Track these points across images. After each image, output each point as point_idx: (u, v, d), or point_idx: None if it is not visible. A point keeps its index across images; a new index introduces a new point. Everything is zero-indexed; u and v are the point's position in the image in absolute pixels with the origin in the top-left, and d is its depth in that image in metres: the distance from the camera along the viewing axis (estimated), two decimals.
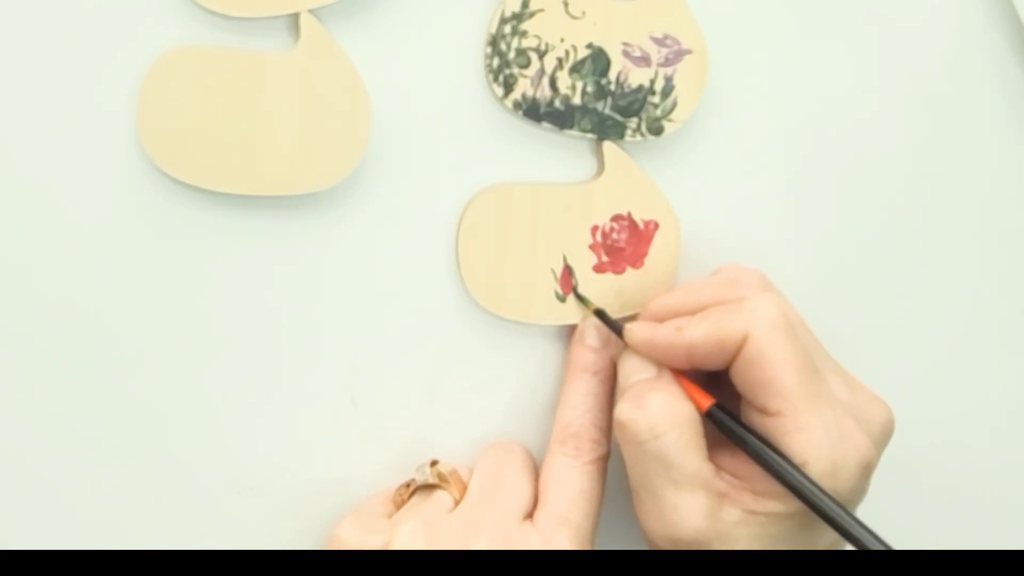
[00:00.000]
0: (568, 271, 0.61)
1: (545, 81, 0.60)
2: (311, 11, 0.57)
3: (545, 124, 0.60)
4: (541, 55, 0.59)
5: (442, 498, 0.59)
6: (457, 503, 0.58)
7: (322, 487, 0.61)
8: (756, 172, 0.63)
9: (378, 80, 0.59)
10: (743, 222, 0.63)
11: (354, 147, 0.58)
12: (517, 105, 0.60)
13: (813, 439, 0.56)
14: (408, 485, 0.60)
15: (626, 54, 0.60)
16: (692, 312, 0.59)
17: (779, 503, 0.56)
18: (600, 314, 0.61)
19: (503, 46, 0.59)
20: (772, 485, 0.56)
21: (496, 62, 0.59)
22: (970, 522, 0.63)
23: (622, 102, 0.60)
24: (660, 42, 0.60)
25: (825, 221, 0.64)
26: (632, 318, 0.62)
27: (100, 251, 0.58)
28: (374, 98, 0.58)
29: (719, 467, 0.57)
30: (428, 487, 0.59)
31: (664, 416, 0.56)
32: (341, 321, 0.61)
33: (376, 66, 0.59)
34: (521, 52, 0.59)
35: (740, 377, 0.57)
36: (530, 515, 0.58)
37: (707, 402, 0.58)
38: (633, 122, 0.61)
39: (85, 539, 0.59)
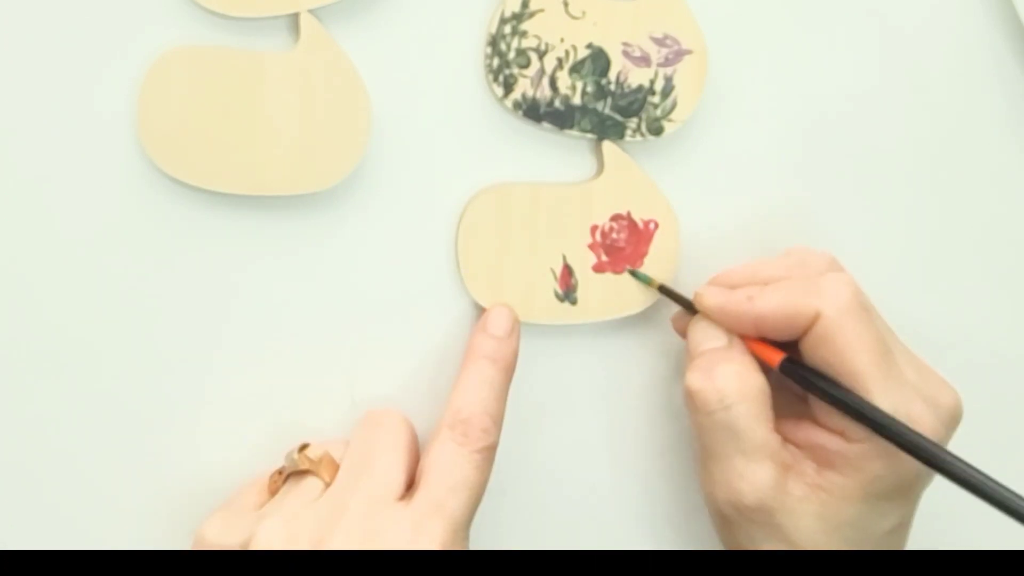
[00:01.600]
0: (568, 271, 0.61)
1: (545, 81, 0.60)
2: (311, 11, 0.57)
3: (545, 124, 0.60)
4: (541, 55, 0.59)
5: (312, 484, 0.57)
6: (328, 487, 0.57)
7: None
8: (756, 172, 0.63)
9: (378, 80, 0.59)
10: (743, 222, 0.63)
11: (354, 147, 0.58)
12: (517, 105, 0.60)
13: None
14: (281, 472, 0.59)
15: (626, 54, 0.60)
16: (762, 284, 0.59)
17: (840, 475, 0.57)
18: (665, 289, 0.62)
19: (503, 46, 0.59)
20: (833, 456, 0.57)
21: (496, 62, 0.59)
22: (970, 521, 0.63)
23: (622, 102, 0.60)
24: (660, 42, 0.60)
25: (825, 220, 0.64)
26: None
27: (100, 251, 0.58)
28: (374, 98, 0.58)
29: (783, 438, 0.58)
30: (299, 473, 0.58)
31: (735, 387, 0.57)
32: (341, 320, 0.61)
33: (376, 66, 0.59)
34: (521, 52, 0.59)
35: (810, 353, 0.58)
36: (405, 495, 0.57)
37: (778, 356, 0.58)
38: (633, 122, 0.61)
39: (85, 539, 0.59)
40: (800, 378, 0.58)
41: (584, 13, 0.60)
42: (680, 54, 0.60)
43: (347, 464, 0.58)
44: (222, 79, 0.57)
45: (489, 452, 0.58)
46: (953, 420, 0.58)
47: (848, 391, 0.56)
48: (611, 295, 0.62)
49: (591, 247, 0.62)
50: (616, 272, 0.62)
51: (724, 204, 0.63)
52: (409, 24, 0.59)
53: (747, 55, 0.62)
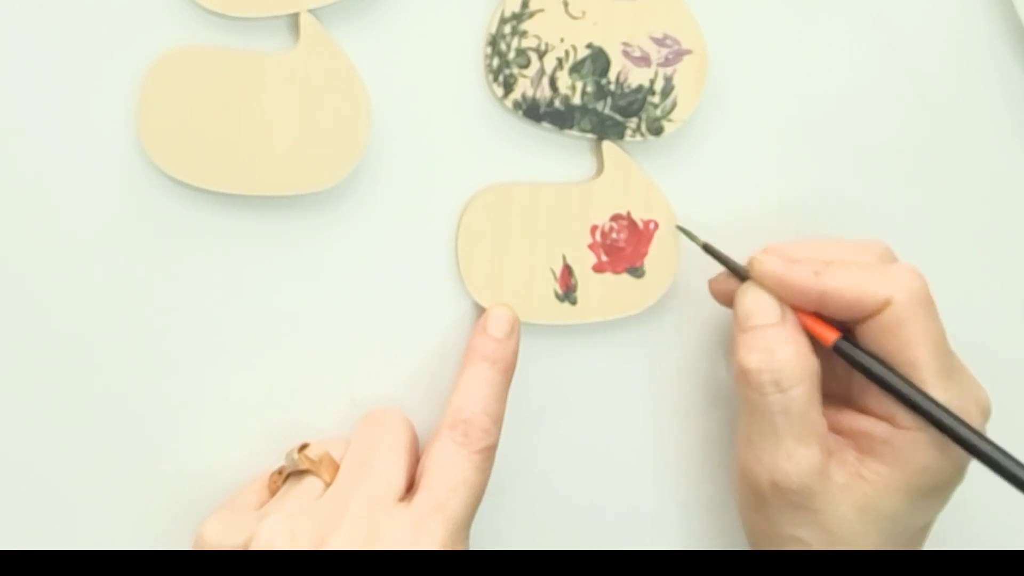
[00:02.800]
0: (567, 271, 0.61)
1: (545, 81, 0.60)
2: (311, 11, 0.57)
3: (545, 124, 0.60)
4: (541, 55, 0.59)
5: (312, 484, 0.57)
6: (328, 487, 0.57)
7: None
8: (756, 172, 0.63)
9: (378, 80, 0.59)
10: (743, 222, 0.63)
11: (354, 147, 0.58)
12: (517, 105, 0.60)
13: None
14: (280, 472, 0.59)
15: (626, 54, 0.60)
16: (824, 262, 0.58)
17: (884, 465, 0.57)
18: (709, 248, 0.61)
19: (503, 46, 0.59)
20: (878, 444, 0.57)
21: (496, 62, 0.59)
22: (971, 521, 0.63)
23: (622, 102, 0.60)
24: (660, 42, 0.60)
25: (826, 219, 0.64)
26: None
27: (99, 251, 0.58)
28: (374, 98, 0.58)
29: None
30: (299, 472, 0.58)
31: (793, 369, 0.57)
32: (340, 321, 0.61)
33: (376, 66, 0.59)
34: (521, 52, 0.59)
35: (869, 338, 0.57)
36: (405, 496, 0.57)
37: (832, 335, 0.58)
38: (633, 122, 0.61)
39: (86, 539, 0.60)
40: (853, 360, 0.57)
41: (584, 13, 0.60)
42: (680, 54, 0.60)
43: (348, 464, 0.58)
44: (222, 79, 0.57)
45: (489, 452, 0.58)
46: (987, 418, 0.58)
47: (907, 379, 0.56)
48: (611, 295, 0.62)
49: (591, 247, 0.61)
50: (616, 272, 0.62)
51: (724, 204, 0.63)
52: (409, 24, 0.59)
53: (747, 55, 0.62)
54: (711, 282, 0.62)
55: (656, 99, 0.60)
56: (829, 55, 0.63)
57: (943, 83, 0.64)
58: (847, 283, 0.57)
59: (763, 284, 0.59)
